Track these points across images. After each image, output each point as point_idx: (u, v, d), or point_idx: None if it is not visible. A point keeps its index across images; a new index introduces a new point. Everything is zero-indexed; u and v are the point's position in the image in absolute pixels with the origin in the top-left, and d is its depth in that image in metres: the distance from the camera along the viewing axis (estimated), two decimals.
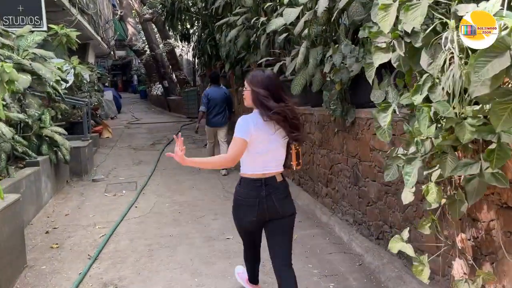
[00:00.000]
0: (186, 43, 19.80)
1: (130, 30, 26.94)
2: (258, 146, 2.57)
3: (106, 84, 21.65)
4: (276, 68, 5.66)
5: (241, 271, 3.32)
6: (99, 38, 16.49)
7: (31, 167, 5.33)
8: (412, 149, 2.34)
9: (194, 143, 10.43)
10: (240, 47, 7.31)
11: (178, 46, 22.06)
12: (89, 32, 13.00)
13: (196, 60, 19.56)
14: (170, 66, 22.03)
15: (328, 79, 3.84)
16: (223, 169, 7.25)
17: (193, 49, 18.88)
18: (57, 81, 6.38)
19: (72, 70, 7.32)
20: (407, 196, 2.38)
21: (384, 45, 2.24)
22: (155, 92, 27.12)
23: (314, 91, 4.60)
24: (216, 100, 7.43)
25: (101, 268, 3.78)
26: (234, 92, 9.81)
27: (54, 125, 6.55)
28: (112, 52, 25.52)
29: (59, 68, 6.70)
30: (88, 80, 12.24)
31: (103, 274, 3.68)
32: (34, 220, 5.05)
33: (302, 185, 5.55)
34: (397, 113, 2.40)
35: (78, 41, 7.20)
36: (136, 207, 5.57)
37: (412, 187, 2.36)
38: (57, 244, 4.35)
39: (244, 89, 2.68)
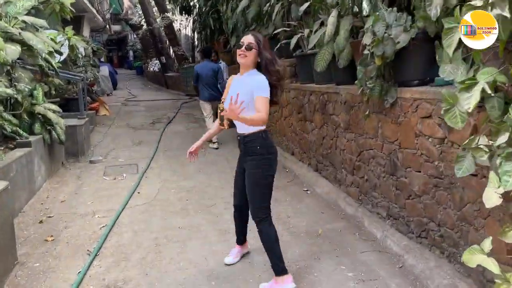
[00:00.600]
0: (186, 17, 19.03)
1: (126, 3, 26.02)
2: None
3: (102, 59, 20.87)
4: (293, 41, 5.12)
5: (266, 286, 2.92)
6: (94, 11, 15.74)
7: (23, 148, 4.81)
8: (502, 139, 1.84)
9: (197, 122, 9.89)
10: (251, 19, 6.71)
11: (176, 20, 21.23)
12: (84, 3, 12.27)
13: (196, 35, 18.81)
14: (168, 41, 21.24)
15: (366, 52, 3.30)
16: (214, 143, 7.35)
17: (193, 23, 18.13)
18: (50, 53, 5.78)
19: (67, 42, 6.71)
20: (492, 198, 1.89)
21: (479, 3, 1.72)
22: (151, 68, 26.33)
23: (342, 67, 4.09)
24: (205, 74, 7.29)
25: (103, 267, 3.31)
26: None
27: (48, 102, 6.00)
28: (107, 26, 24.67)
29: (52, 39, 6.10)
30: (84, 54, 11.60)
31: (105, 274, 3.21)
32: (27, 207, 4.56)
33: (321, 171, 5.07)
34: (489, 92, 1.89)
35: (73, 9, 6.56)
36: (139, 193, 5.08)
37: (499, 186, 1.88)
38: (52, 236, 3.87)
39: (245, 48, 2.80)
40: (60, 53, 5.79)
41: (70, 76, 7.53)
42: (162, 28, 20.20)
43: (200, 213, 4.37)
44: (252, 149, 2.86)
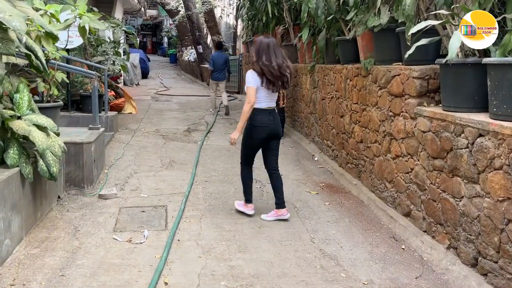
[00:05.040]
0: (229, 2, 16.94)
1: None
2: None
3: (133, 43, 19.03)
4: (455, 42, 2.87)
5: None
6: None
7: None
8: None
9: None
10: (354, 2, 4.48)
11: (218, 6, 19.11)
12: None
13: (239, 24, 16.65)
14: (207, 30, 19.18)
15: None
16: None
17: (236, 10, 15.94)
18: (46, 36, 3.76)
19: (78, 21, 4.65)
20: None
21: None
22: (186, 58, 24.34)
23: None
24: (218, 62, 10.38)
25: None
26: (304, 71, 7.00)
27: (40, 107, 4.01)
28: (142, 9, 22.91)
29: (52, 15, 4.05)
30: (111, 39, 9.66)
31: None
32: None
33: (488, 273, 2.83)
34: None
35: None
36: (166, 284, 2.98)
37: None
38: None
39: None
40: (55, 38, 3.72)
41: (78, 71, 5.53)
42: (202, 14, 18.17)
43: None
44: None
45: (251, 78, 3.87)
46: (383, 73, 4.25)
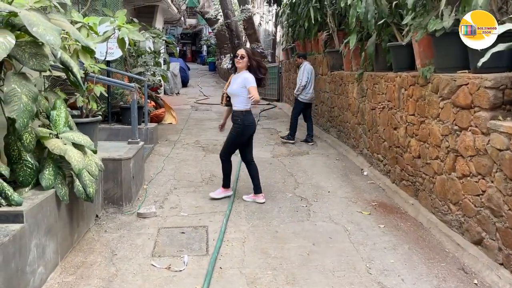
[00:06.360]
0: (269, 9, 16.74)
1: None
2: None
3: (173, 52, 19.20)
4: None
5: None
6: (168, 0, 13.93)
7: (6, 226, 2.61)
8: None
9: (285, 146, 7.45)
10: (412, 4, 4.06)
11: (257, 13, 18.93)
12: None
13: (279, 31, 16.38)
14: (246, 37, 19.02)
15: None
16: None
17: (276, 17, 15.70)
18: (83, 51, 3.59)
19: (116, 33, 4.51)
20: None
21: None
22: (225, 66, 24.33)
23: None
24: None
25: None
26: (351, 79, 6.58)
27: (78, 123, 3.85)
28: (182, 18, 23.15)
29: (90, 27, 3.89)
30: (152, 49, 9.61)
31: None
32: None
33: None
34: None
35: None
36: None
37: None
38: None
39: (240, 58, 4.62)
40: (91, 52, 3.55)
41: (117, 83, 5.40)
42: (241, 22, 18.05)
43: None
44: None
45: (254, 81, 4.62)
46: (446, 82, 3.80)
